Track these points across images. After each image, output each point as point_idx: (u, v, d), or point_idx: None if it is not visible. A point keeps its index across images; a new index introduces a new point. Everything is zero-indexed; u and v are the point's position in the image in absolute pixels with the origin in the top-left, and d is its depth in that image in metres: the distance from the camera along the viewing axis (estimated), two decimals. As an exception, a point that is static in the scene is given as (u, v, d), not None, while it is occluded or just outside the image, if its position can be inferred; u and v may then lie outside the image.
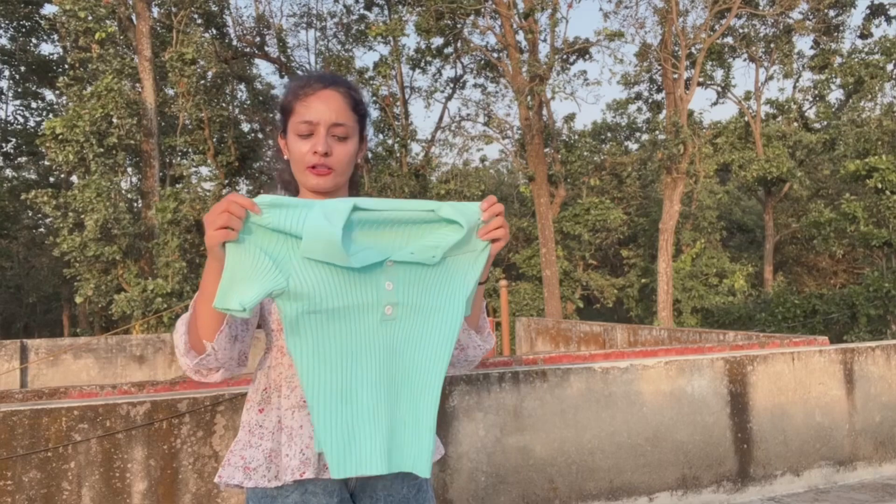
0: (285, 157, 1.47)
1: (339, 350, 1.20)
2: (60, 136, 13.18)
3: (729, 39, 21.50)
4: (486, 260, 1.30)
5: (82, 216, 13.03)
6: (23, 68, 20.82)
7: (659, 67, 19.57)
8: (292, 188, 1.51)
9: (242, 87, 21.12)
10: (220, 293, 1.13)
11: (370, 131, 1.52)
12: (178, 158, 18.57)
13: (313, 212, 1.16)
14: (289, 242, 1.16)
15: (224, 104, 18.77)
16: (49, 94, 21.67)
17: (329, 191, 1.42)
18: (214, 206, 1.15)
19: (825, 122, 23.45)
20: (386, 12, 20.80)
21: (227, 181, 18.69)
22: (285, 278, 1.15)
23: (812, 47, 23.07)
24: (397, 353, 1.23)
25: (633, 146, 27.51)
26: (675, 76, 17.97)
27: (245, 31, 20.60)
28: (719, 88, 23.10)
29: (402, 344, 1.23)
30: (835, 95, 23.89)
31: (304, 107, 1.38)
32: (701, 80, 20.50)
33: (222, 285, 1.14)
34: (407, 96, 21.41)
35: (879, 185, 16.39)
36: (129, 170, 17.72)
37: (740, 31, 21.52)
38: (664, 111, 20.78)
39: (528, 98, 16.47)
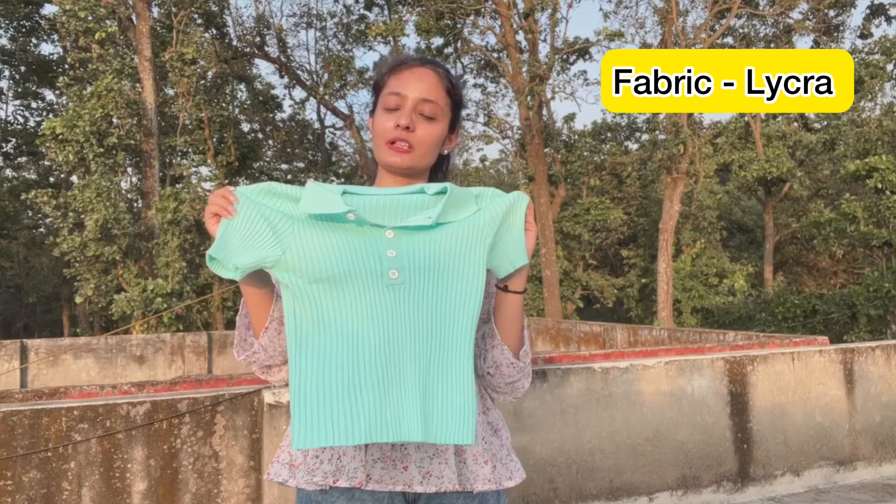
0: None
1: (342, 319, 1.13)
2: (60, 136, 13.18)
3: (729, 39, 21.47)
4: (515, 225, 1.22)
5: (82, 216, 13.02)
6: (23, 68, 20.83)
7: (659, 67, 19.51)
8: (373, 171, 1.43)
9: (242, 87, 21.14)
10: (215, 249, 1.12)
11: (463, 124, 1.42)
12: (178, 158, 18.57)
13: (308, 186, 1.17)
14: (289, 213, 1.16)
15: (224, 104, 18.78)
16: (49, 94, 21.68)
17: (406, 171, 1.33)
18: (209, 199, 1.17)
19: (825, 122, 23.44)
20: (386, 12, 20.80)
21: (227, 181, 18.68)
22: (282, 249, 1.14)
23: (812, 47, 23.05)
24: (409, 318, 1.14)
25: (633, 146, 27.50)
26: (675, 76, 17.93)
27: (245, 31, 20.60)
28: (719, 88, 23.04)
29: (413, 308, 1.15)
30: (835, 95, 23.84)
31: (395, 80, 1.32)
32: (701, 79, 20.43)
33: (216, 246, 1.12)
34: (407, 96, 21.37)
35: (879, 185, 16.38)
36: (129, 170, 17.70)
37: (740, 31, 21.49)
38: (664, 111, 20.78)
39: (528, 98, 16.47)
